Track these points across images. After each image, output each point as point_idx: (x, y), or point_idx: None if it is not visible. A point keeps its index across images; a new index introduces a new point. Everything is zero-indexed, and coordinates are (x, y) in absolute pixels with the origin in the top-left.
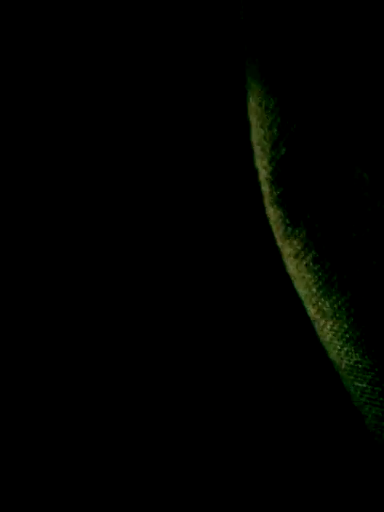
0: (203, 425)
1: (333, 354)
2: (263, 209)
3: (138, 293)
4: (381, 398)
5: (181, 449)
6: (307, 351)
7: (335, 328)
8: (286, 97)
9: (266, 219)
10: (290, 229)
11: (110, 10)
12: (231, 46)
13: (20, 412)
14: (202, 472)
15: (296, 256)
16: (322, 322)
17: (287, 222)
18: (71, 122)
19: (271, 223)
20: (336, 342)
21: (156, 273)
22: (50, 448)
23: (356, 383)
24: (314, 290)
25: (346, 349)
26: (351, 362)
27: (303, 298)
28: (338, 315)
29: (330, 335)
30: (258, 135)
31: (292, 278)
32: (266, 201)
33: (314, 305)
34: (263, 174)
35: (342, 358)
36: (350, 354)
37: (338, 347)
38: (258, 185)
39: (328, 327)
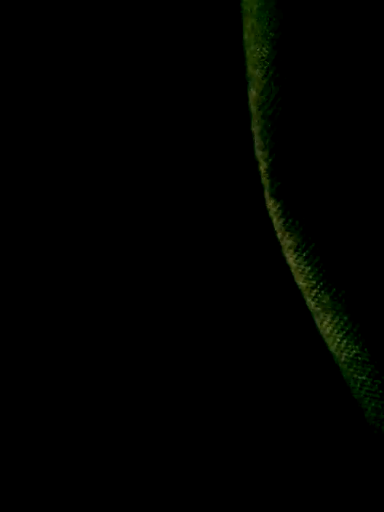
0: (203, 416)
1: (332, 347)
2: (263, 201)
3: (136, 285)
4: (380, 391)
5: (180, 439)
6: (307, 344)
7: (335, 321)
8: (289, 87)
9: (266, 211)
10: (289, 221)
11: (109, 2)
12: (230, 35)
13: (20, 412)
14: (200, 462)
15: (296, 248)
16: (322, 314)
17: (287, 214)
18: (67, 114)
19: (271, 215)
20: (335, 334)
21: (156, 264)
22: (49, 448)
23: (355, 376)
24: (314, 282)
25: (345, 341)
26: (351, 355)
27: (303, 291)
28: (337, 308)
29: (330, 328)
30: (258, 126)
31: (292, 271)
32: (266, 193)
33: (313, 298)
34: (264, 166)
35: (341, 351)
36: (349, 346)
37: (338, 340)
38: (258, 177)
39: (328, 320)
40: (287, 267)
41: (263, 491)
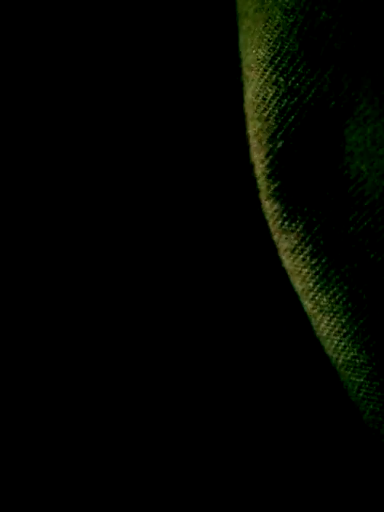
0: (199, 419)
1: (330, 350)
2: (259, 203)
3: (130, 287)
4: (378, 393)
5: (178, 440)
6: (304, 347)
7: (332, 323)
8: (284, 89)
9: (261, 214)
10: (286, 223)
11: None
12: (226, 37)
13: (20, 411)
14: (198, 464)
15: (292, 250)
16: (319, 317)
17: (284, 215)
18: (63, 116)
19: (267, 218)
20: (333, 337)
21: (151, 267)
22: (49, 448)
23: (353, 378)
24: (311, 284)
25: (343, 344)
26: (348, 357)
27: (300, 293)
28: (335, 310)
29: (327, 330)
30: (254, 128)
31: (288, 273)
32: (263, 195)
33: (310, 300)
34: (260, 168)
35: (339, 354)
36: (347, 349)
37: (335, 342)
38: (253, 179)
39: (325, 322)
40: (283, 270)
41: (260, 493)
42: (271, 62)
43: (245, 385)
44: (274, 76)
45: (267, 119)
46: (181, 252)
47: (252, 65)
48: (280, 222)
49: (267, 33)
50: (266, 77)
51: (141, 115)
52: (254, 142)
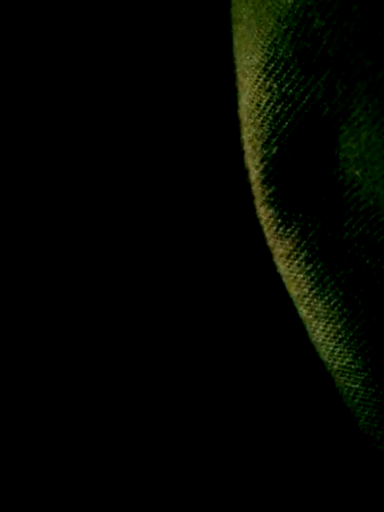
0: (195, 424)
1: (325, 356)
2: (253, 209)
3: (125, 292)
4: (374, 399)
5: (173, 447)
6: (299, 353)
7: (328, 329)
8: (279, 94)
9: (256, 220)
10: (281, 229)
11: (105, 5)
12: (220, 43)
13: (20, 411)
14: (196, 467)
15: (288, 256)
16: (314, 322)
17: (279, 221)
18: (61, 116)
19: (262, 223)
20: (328, 343)
21: (146, 272)
22: (49, 447)
23: (348, 384)
24: (306, 290)
25: (338, 350)
26: (344, 363)
27: (295, 299)
28: (330, 316)
29: (322, 336)
30: (249, 134)
31: (283, 279)
32: (257, 201)
33: (306, 306)
34: (254, 174)
35: (334, 360)
36: (342, 355)
37: (331, 348)
38: (248, 185)
39: (320, 328)
40: (278, 276)
41: (257, 498)
42: (265, 69)
43: (240, 390)
44: (268, 82)
45: (261, 125)
46: (176, 257)
47: (246, 71)
48: (275, 227)
49: (261, 39)
50: (260, 83)
51: (136, 120)
52: (248, 148)
